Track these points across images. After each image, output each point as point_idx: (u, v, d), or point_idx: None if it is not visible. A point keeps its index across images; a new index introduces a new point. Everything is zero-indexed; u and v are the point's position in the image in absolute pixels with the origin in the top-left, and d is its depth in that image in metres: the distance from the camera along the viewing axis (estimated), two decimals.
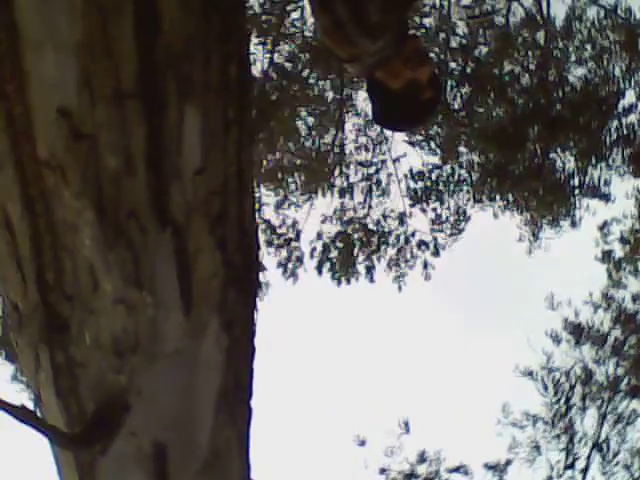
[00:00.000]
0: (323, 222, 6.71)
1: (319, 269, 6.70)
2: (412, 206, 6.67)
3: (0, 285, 1.21)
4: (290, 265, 6.71)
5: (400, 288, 6.84)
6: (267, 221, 6.64)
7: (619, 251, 7.61)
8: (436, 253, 6.76)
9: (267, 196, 6.60)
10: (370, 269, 6.70)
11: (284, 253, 6.73)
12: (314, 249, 6.70)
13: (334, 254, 6.70)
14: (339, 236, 6.71)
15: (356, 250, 6.72)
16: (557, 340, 7.82)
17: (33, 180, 1.09)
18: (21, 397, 6.04)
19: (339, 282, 6.72)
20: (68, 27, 0.99)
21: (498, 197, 6.69)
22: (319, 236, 6.70)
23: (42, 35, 1.00)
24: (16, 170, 1.09)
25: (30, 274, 1.14)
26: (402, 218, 6.76)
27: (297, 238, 6.78)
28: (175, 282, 1.15)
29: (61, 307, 1.13)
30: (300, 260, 6.71)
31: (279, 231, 6.72)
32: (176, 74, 1.07)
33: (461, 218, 6.74)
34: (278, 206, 6.67)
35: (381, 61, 1.82)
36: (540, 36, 6.30)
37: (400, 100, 1.90)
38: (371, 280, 6.73)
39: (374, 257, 6.73)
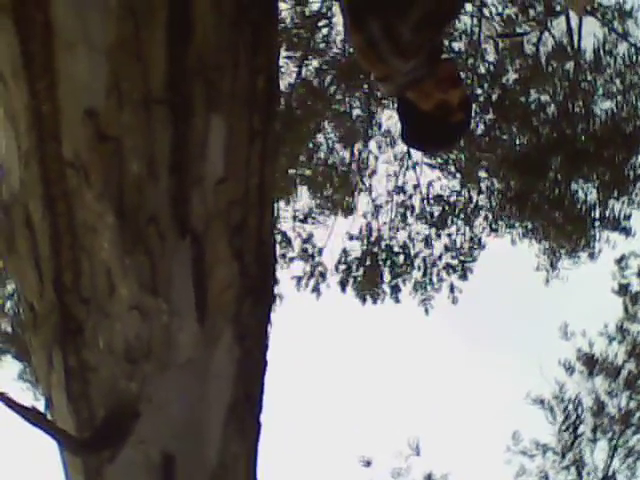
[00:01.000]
0: (350, 239, 6.69)
1: (343, 286, 6.67)
2: (433, 228, 6.63)
3: (17, 284, 1.22)
4: (311, 280, 6.69)
5: (427, 311, 6.79)
6: (284, 234, 6.64)
7: (636, 285, 7.55)
8: (464, 277, 6.71)
9: (285, 210, 6.61)
10: (395, 289, 6.67)
11: (307, 267, 6.71)
12: (338, 264, 6.67)
13: (358, 272, 6.67)
14: (364, 255, 6.69)
15: (381, 270, 6.68)
16: (570, 370, 7.75)
17: (56, 179, 1.09)
18: (26, 396, 6.06)
19: (363, 300, 6.68)
20: (101, 29, 1.00)
21: (517, 224, 6.66)
22: (344, 253, 6.67)
23: (75, 35, 1.01)
24: (40, 168, 1.10)
25: (48, 274, 1.14)
26: (428, 240, 6.73)
27: (320, 253, 6.76)
28: (191, 290, 1.15)
29: (77, 309, 1.13)
30: (323, 276, 6.69)
31: (301, 245, 6.71)
32: (205, 83, 1.07)
33: (477, 244, 6.70)
34: (300, 220, 6.67)
35: (413, 81, 1.82)
36: (569, 67, 6.29)
37: (430, 121, 1.90)
38: (396, 300, 6.69)
39: (399, 278, 6.70)
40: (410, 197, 6.73)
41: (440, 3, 1.73)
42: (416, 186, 6.74)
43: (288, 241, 6.67)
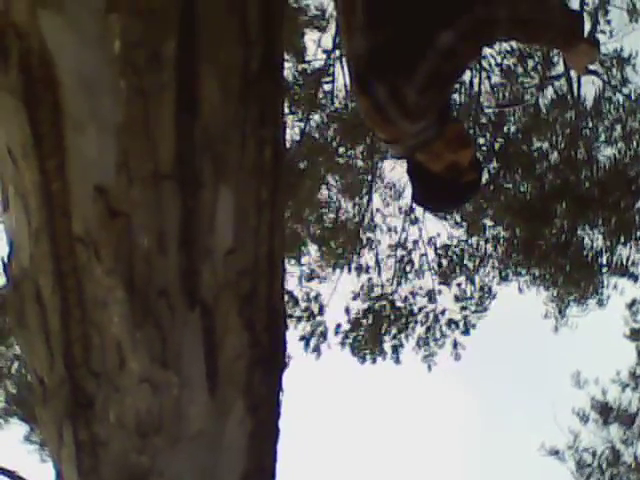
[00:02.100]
0: (353, 299, 6.67)
1: (343, 345, 6.63)
2: (441, 284, 6.62)
3: (27, 358, 1.22)
4: (313, 340, 6.65)
5: (430, 367, 6.75)
6: (290, 293, 6.62)
7: None
8: (466, 332, 6.68)
9: (291, 266, 6.61)
10: (397, 348, 6.62)
11: (307, 327, 6.68)
12: (339, 325, 6.64)
13: (360, 331, 6.63)
14: (366, 312, 6.66)
15: (383, 328, 6.65)
16: (584, 419, 7.64)
17: (66, 255, 1.10)
18: (33, 458, 6.01)
19: (363, 360, 6.64)
20: (111, 109, 1.02)
21: (524, 272, 6.65)
22: (346, 312, 6.65)
23: (85, 115, 1.02)
24: (50, 244, 1.10)
25: (58, 348, 1.14)
26: (431, 295, 6.71)
27: (321, 312, 6.73)
28: (201, 362, 1.14)
29: (87, 383, 1.13)
30: (324, 335, 6.65)
31: (303, 304, 6.68)
32: (212, 156, 1.09)
33: (486, 294, 6.68)
34: (303, 278, 6.66)
35: (422, 143, 1.83)
36: (570, 115, 6.35)
37: (441, 182, 1.91)
38: (397, 361, 6.65)
39: (402, 335, 6.66)
40: (415, 249, 6.73)
41: (444, 64, 1.74)
42: (421, 237, 6.74)
43: (295, 301, 6.65)
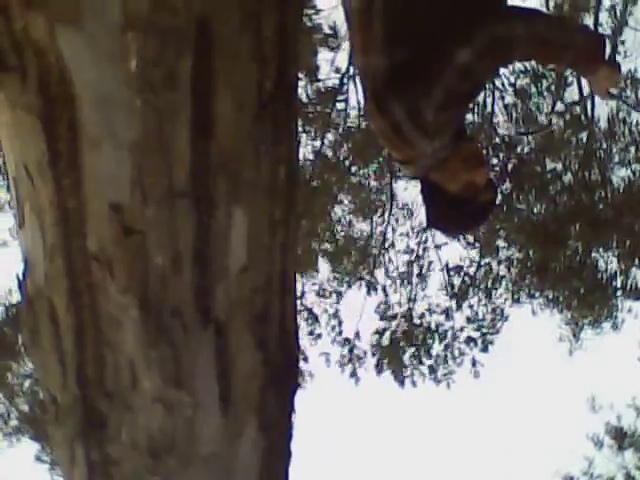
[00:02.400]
0: (381, 319, 6.62)
1: (379, 369, 6.57)
2: (456, 305, 6.58)
3: (40, 376, 1.21)
4: (347, 364, 6.61)
5: (449, 385, 6.68)
6: (309, 310, 6.61)
7: None
8: (485, 349, 6.62)
9: (304, 284, 6.60)
10: (433, 368, 6.56)
11: (343, 350, 6.64)
12: (372, 346, 6.59)
13: (382, 352, 6.59)
14: (384, 332, 6.62)
15: (403, 347, 6.60)
16: (599, 444, 7.55)
17: (81, 273, 1.10)
18: (44, 478, 5.98)
19: (402, 383, 6.57)
20: (126, 127, 1.02)
21: (538, 294, 6.61)
22: (377, 334, 6.60)
23: (101, 133, 1.03)
24: (65, 262, 1.10)
25: (71, 367, 1.13)
26: (448, 313, 6.67)
27: (340, 332, 6.69)
28: (214, 382, 1.14)
29: (100, 403, 1.12)
30: (356, 359, 6.61)
31: (317, 323, 6.66)
32: (227, 175, 1.09)
33: (499, 316, 6.64)
34: (317, 294, 6.65)
35: (437, 162, 1.81)
36: (584, 136, 6.34)
37: (457, 203, 1.88)
38: (436, 381, 6.58)
39: (421, 354, 6.61)
40: (429, 269, 6.71)
41: (461, 82, 1.73)
42: (434, 259, 6.72)
43: (315, 318, 6.62)
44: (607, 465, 7.60)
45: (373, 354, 6.62)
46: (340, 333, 6.67)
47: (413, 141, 1.74)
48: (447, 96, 1.71)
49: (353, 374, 6.63)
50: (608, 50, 1.84)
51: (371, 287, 6.65)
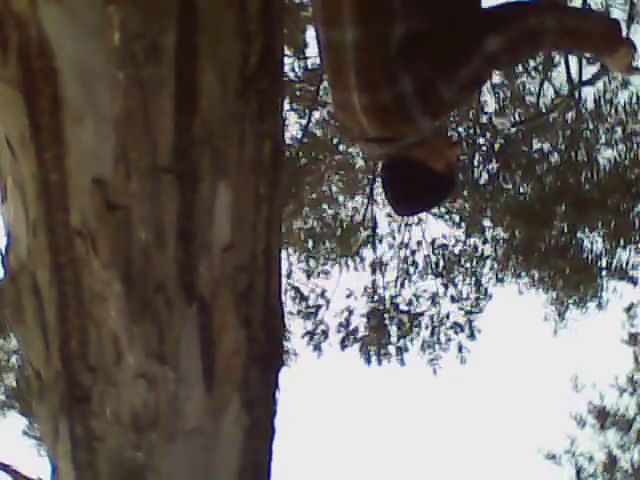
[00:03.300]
0: (348, 297, 6.64)
1: (343, 345, 6.60)
2: (438, 278, 6.59)
3: (24, 351, 1.21)
4: (315, 338, 6.63)
5: (435, 371, 6.72)
6: (295, 288, 6.60)
7: None
8: (472, 336, 6.65)
9: (291, 262, 6.60)
10: (401, 350, 6.59)
11: (310, 325, 6.66)
12: (342, 324, 6.62)
13: (363, 332, 6.61)
14: (369, 314, 6.63)
15: (387, 331, 6.62)
16: (582, 423, 7.64)
17: (64, 248, 1.10)
18: (32, 453, 5.99)
19: (369, 361, 6.61)
20: (109, 101, 1.01)
21: (523, 274, 6.64)
22: (349, 312, 6.62)
23: (83, 107, 1.02)
24: (48, 237, 1.10)
25: (54, 342, 1.13)
26: (435, 298, 6.69)
27: (324, 308, 6.70)
28: (198, 358, 1.14)
29: (83, 378, 1.12)
30: (326, 334, 6.63)
31: (305, 302, 6.67)
32: (211, 151, 1.08)
33: (483, 295, 6.68)
34: (304, 274, 6.65)
35: (420, 141, 1.78)
36: (571, 117, 6.35)
37: (437, 181, 1.86)
38: (402, 363, 6.62)
39: (406, 338, 6.63)
40: (415, 250, 6.71)
41: (487, 68, 1.73)
42: (421, 238, 6.73)
43: (301, 296, 6.62)
44: (589, 444, 7.69)
45: (341, 332, 6.63)
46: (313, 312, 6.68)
47: (414, 118, 1.70)
48: (471, 80, 1.70)
49: (316, 348, 6.64)
50: (623, 31, 1.86)
51: (356, 268, 6.66)
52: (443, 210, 6.48)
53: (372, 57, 1.70)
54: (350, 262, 6.62)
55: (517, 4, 1.76)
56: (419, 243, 6.72)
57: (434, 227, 6.71)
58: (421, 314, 6.65)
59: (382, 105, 1.71)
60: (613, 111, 6.14)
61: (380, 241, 6.73)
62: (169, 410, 1.14)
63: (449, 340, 6.69)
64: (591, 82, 6.04)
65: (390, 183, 1.91)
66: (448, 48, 1.68)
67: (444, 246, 6.66)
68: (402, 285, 6.70)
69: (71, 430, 1.16)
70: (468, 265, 6.67)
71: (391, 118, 1.73)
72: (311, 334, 6.61)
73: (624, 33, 1.89)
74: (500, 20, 1.69)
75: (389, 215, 6.60)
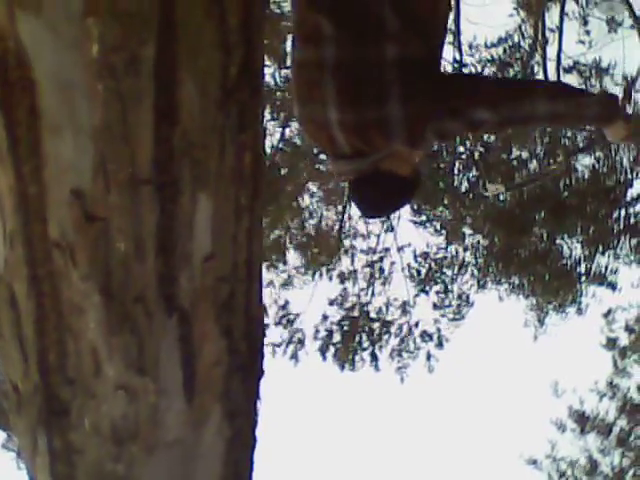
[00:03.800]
0: (330, 304, 6.65)
1: (322, 353, 6.61)
2: (420, 292, 6.61)
3: (1, 364, 1.20)
4: (291, 346, 6.63)
5: (402, 379, 6.75)
6: (273, 298, 6.60)
7: (624, 339, 7.56)
8: (440, 345, 6.69)
9: (269, 272, 6.59)
10: (374, 357, 6.61)
11: (285, 333, 6.66)
12: (317, 332, 6.62)
13: (337, 339, 6.61)
14: (342, 321, 6.64)
15: (357, 339, 6.63)
16: (562, 428, 7.68)
17: (42, 260, 1.09)
18: (11, 466, 5.93)
19: (342, 367, 6.62)
20: (88, 113, 1.01)
21: (503, 280, 6.68)
22: (323, 319, 6.63)
23: (62, 119, 1.01)
24: (26, 249, 1.09)
25: (32, 355, 1.12)
26: (405, 307, 6.71)
27: (298, 318, 6.70)
28: (178, 369, 1.13)
29: (62, 390, 1.11)
30: (302, 342, 6.63)
31: (281, 311, 6.66)
32: (191, 162, 1.08)
33: (465, 302, 6.70)
34: (281, 284, 6.64)
35: (391, 153, 1.80)
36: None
37: (405, 185, 1.89)
38: (376, 368, 6.64)
39: (377, 346, 6.65)
40: (392, 256, 6.73)
41: (467, 129, 1.82)
42: (396, 243, 6.75)
43: (279, 306, 6.62)
44: (570, 448, 7.74)
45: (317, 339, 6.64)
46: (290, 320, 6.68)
47: (394, 141, 1.74)
48: (452, 133, 1.77)
49: (293, 356, 6.64)
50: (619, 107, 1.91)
51: (337, 275, 6.66)
52: (424, 218, 6.51)
53: (359, 76, 1.72)
54: (327, 270, 6.63)
55: (515, 83, 1.81)
56: (400, 249, 6.74)
57: (416, 235, 6.74)
58: (391, 323, 6.67)
59: (364, 123, 1.73)
60: None
61: (360, 250, 6.74)
62: (149, 422, 1.13)
63: (418, 349, 6.71)
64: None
65: (359, 195, 1.94)
66: (446, 99, 1.73)
67: (425, 254, 6.69)
68: (373, 293, 6.71)
69: (49, 443, 1.15)
70: (449, 272, 6.70)
71: (371, 136, 1.75)
72: (288, 342, 6.61)
73: (622, 106, 1.92)
74: (497, 96, 1.74)
75: (366, 222, 6.62)
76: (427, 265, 6.66)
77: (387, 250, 6.72)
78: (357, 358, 6.62)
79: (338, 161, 1.85)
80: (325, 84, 1.72)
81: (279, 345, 6.60)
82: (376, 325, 6.65)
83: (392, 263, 6.71)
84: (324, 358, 6.63)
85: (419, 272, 6.65)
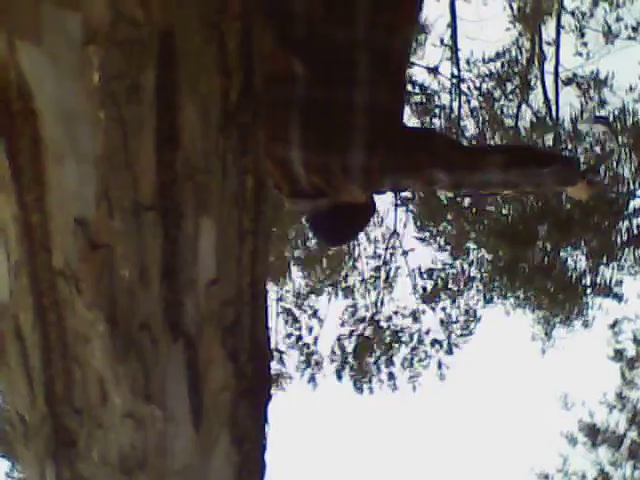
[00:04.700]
0: (342, 325, 6.63)
1: (339, 375, 6.58)
2: (424, 302, 6.60)
3: (7, 395, 1.19)
4: (307, 369, 6.60)
5: (415, 388, 6.71)
6: (287, 311, 6.57)
7: (632, 350, 7.52)
8: (450, 352, 6.66)
9: (274, 290, 6.58)
10: (392, 375, 6.58)
11: (299, 355, 6.63)
12: (333, 353, 6.59)
13: (352, 359, 6.58)
14: (357, 339, 6.61)
15: (369, 353, 6.61)
16: (573, 442, 7.62)
17: (47, 289, 1.08)
18: None
19: (361, 390, 6.58)
20: (90, 141, 1.01)
21: (509, 295, 6.66)
22: (338, 339, 6.60)
23: (64, 147, 1.01)
24: (30, 279, 1.09)
25: (39, 385, 1.12)
26: (415, 316, 6.69)
27: (314, 341, 6.67)
28: (185, 395, 1.13)
29: (69, 420, 1.11)
30: (319, 364, 6.60)
31: (292, 331, 6.64)
32: (194, 187, 1.08)
33: (472, 317, 6.68)
34: (290, 300, 6.63)
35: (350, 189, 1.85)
36: (549, 137, 6.41)
37: (362, 212, 1.94)
38: (394, 388, 6.60)
39: (387, 358, 6.63)
40: (398, 272, 6.72)
41: (422, 187, 1.99)
42: (405, 256, 6.74)
43: (294, 319, 6.60)
44: (581, 462, 7.68)
45: (334, 360, 6.62)
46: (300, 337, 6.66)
47: (352, 186, 1.78)
48: (407, 187, 1.82)
49: (312, 379, 6.62)
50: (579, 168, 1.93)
51: (341, 292, 6.65)
52: (428, 234, 6.51)
53: (327, 119, 1.73)
54: (335, 288, 6.62)
55: (471, 151, 1.83)
56: (410, 269, 6.73)
57: (421, 251, 6.74)
58: (401, 332, 6.65)
59: (329, 166, 1.75)
60: (591, 130, 6.20)
61: (366, 264, 6.73)
62: (158, 450, 1.12)
63: (429, 357, 6.69)
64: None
65: (320, 228, 1.97)
66: (408, 154, 1.76)
67: (431, 270, 6.68)
68: (382, 305, 6.70)
69: (58, 474, 1.14)
70: (455, 288, 6.69)
71: (333, 178, 1.77)
72: (305, 365, 6.58)
73: (586, 177, 1.92)
74: (454, 161, 1.76)
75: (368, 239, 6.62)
76: (433, 281, 6.64)
77: (393, 264, 6.70)
78: (374, 379, 6.59)
79: (297, 200, 1.86)
80: (292, 123, 1.72)
81: (297, 368, 6.57)
82: (388, 339, 6.63)
83: (397, 268, 6.69)
84: (340, 379, 6.60)
85: (425, 289, 6.64)
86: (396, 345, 6.63)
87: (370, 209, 1.96)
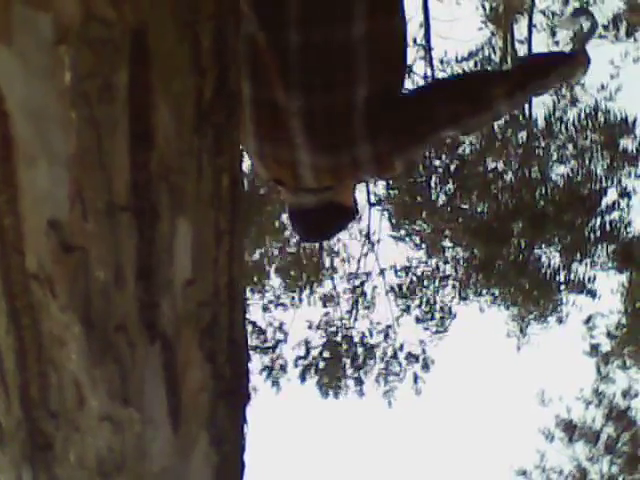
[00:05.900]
0: (310, 328, 6.63)
1: (303, 378, 6.58)
2: (400, 313, 6.61)
3: None
4: (274, 373, 6.59)
5: (390, 403, 6.73)
6: (253, 323, 6.56)
7: (606, 345, 7.60)
8: (426, 367, 6.70)
9: (250, 296, 6.56)
10: (359, 382, 6.59)
11: (267, 359, 6.62)
12: (299, 358, 6.59)
13: (321, 365, 6.59)
14: (325, 346, 6.62)
15: (343, 363, 6.62)
16: (550, 438, 7.69)
17: (20, 293, 1.07)
18: None
19: (326, 394, 6.58)
20: (62, 142, 0.99)
21: (484, 292, 6.71)
22: (306, 344, 6.60)
23: (36, 149, 1.00)
24: (3, 282, 1.07)
25: (14, 389, 1.10)
26: (389, 329, 6.71)
27: (283, 342, 6.66)
28: (163, 397, 1.12)
29: (45, 424, 1.09)
30: (284, 369, 6.59)
31: (263, 336, 6.63)
32: (169, 187, 1.07)
33: (447, 314, 6.72)
34: (262, 307, 6.61)
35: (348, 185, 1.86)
36: (523, 135, 6.46)
37: (348, 214, 1.94)
38: (360, 394, 6.62)
39: (362, 370, 6.64)
40: (372, 275, 6.74)
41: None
42: (377, 261, 6.76)
43: (260, 331, 6.60)
44: (559, 458, 7.75)
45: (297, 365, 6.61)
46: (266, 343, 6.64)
47: (364, 177, 1.78)
48: (419, 155, 1.85)
49: (275, 383, 6.62)
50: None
51: (319, 298, 6.65)
52: (403, 233, 6.53)
53: (330, 123, 1.71)
54: (309, 293, 6.62)
55: (473, 89, 1.79)
56: (382, 271, 6.75)
57: (396, 250, 6.76)
58: (375, 346, 6.67)
59: (339, 166, 1.74)
60: (563, 128, 6.27)
61: (341, 271, 6.74)
62: (136, 452, 1.11)
63: (404, 370, 6.71)
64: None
65: (300, 222, 1.96)
66: (407, 134, 1.74)
67: (406, 268, 6.70)
68: (356, 317, 6.71)
69: (35, 478, 1.13)
70: (431, 286, 6.72)
71: (344, 175, 1.77)
72: (269, 368, 6.57)
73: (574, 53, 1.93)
74: (458, 113, 1.73)
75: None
76: (409, 279, 6.67)
77: (368, 274, 6.71)
78: (341, 384, 6.59)
79: (298, 193, 1.85)
80: (293, 128, 1.71)
81: (264, 369, 6.56)
82: (360, 350, 6.64)
83: (374, 287, 6.71)
84: (303, 382, 6.59)
85: (400, 287, 6.66)
86: (369, 359, 6.64)
87: (353, 212, 1.96)
